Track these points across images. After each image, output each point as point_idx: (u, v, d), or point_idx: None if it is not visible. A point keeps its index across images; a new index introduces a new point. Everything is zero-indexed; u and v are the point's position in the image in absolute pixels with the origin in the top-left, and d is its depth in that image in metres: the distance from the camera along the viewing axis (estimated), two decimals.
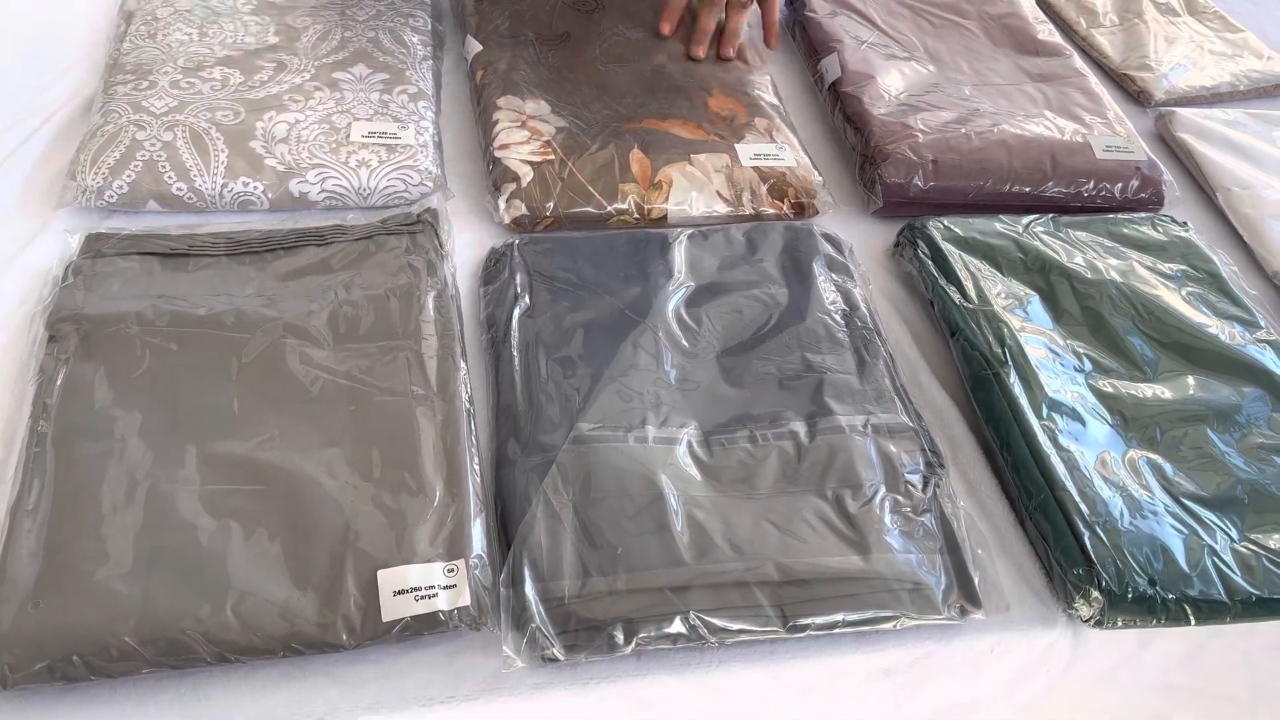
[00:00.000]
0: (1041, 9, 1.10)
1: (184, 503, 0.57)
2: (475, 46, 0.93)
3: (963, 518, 0.63)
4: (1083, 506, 0.61)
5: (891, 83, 0.92)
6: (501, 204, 0.79)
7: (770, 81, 0.95)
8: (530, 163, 0.81)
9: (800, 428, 0.65)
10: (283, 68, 0.85)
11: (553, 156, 0.82)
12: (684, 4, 0.96)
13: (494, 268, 0.75)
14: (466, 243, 0.79)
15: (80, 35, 0.93)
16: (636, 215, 0.80)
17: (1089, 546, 0.59)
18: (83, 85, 0.87)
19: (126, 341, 0.64)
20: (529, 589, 0.56)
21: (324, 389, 0.63)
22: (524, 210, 0.79)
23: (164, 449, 0.59)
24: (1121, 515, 0.62)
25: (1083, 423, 0.67)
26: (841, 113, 0.91)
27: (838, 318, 0.73)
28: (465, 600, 0.54)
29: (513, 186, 0.79)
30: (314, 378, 0.63)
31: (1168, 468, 0.66)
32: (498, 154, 0.82)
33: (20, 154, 0.80)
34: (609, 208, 0.80)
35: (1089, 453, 0.65)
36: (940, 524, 0.62)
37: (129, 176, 0.75)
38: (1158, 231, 0.83)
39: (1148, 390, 0.70)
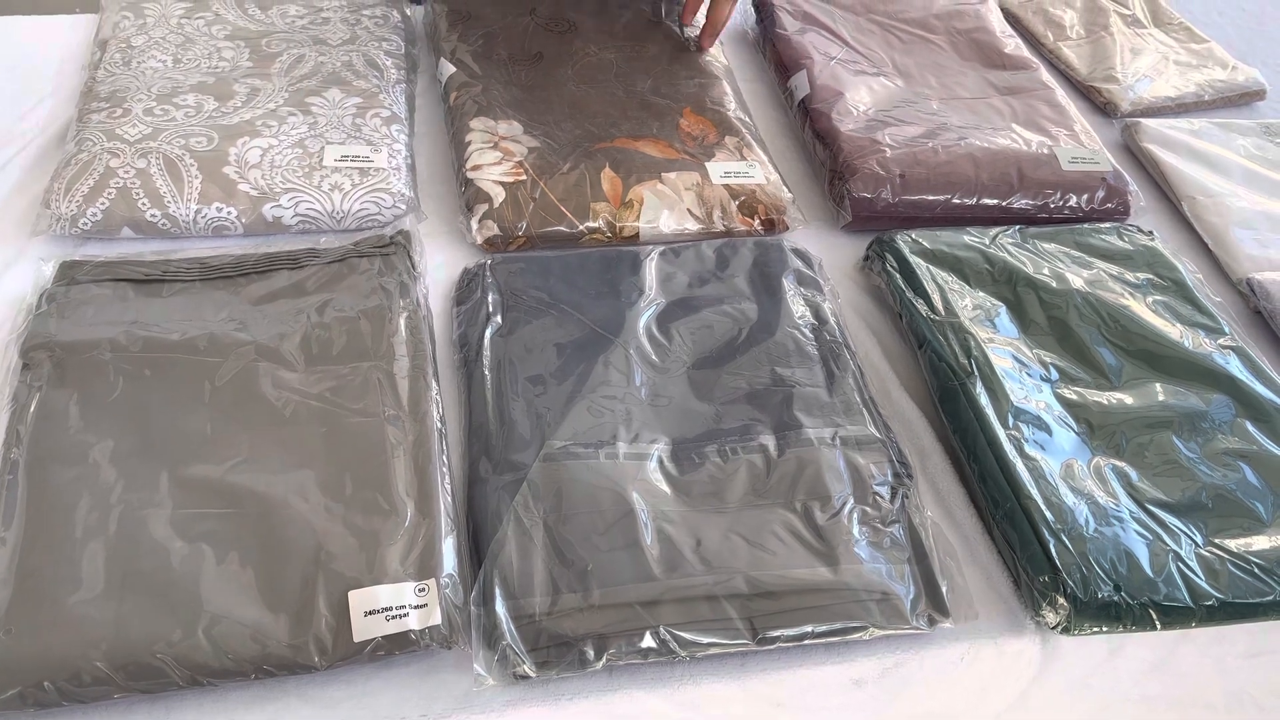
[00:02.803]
0: (1009, 23, 1.12)
1: (156, 527, 0.57)
2: (449, 69, 0.94)
3: (930, 528, 0.63)
4: (1048, 514, 0.62)
5: (860, 98, 0.94)
6: (474, 224, 0.80)
7: (740, 99, 0.96)
8: (502, 183, 0.82)
9: (769, 441, 0.66)
10: (256, 93, 0.86)
11: (524, 177, 0.82)
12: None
13: (467, 288, 0.76)
14: (440, 263, 0.80)
15: (56, 64, 0.94)
16: (608, 233, 0.81)
17: (1054, 554, 0.60)
18: (58, 113, 0.88)
19: (100, 368, 0.65)
20: (500, 607, 0.56)
21: (296, 411, 0.63)
22: (496, 230, 0.79)
23: (137, 474, 0.59)
24: (1087, 522, 0.62)
25: (1049, 431, 0.68)
26: (811, 129, 0.92)
27: (807, 332, 0.74)
28: (436, 619, 0.55)
29: (485, 207, 0.80)
30: (286, 400, 0.64)
31: (1133, 474, 0.66)
32: (470, 175, 0.83)
33: None
34: (581, 226, 0.80)
35: (1055, 461, 0.66)
36: (908, 534, 0.63)
37: (103, 204, 0.76)
38: (1124, 241, 0.85)
39: (1114, 398, 0.71)
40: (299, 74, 0.89)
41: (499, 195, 0.81)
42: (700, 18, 1.01)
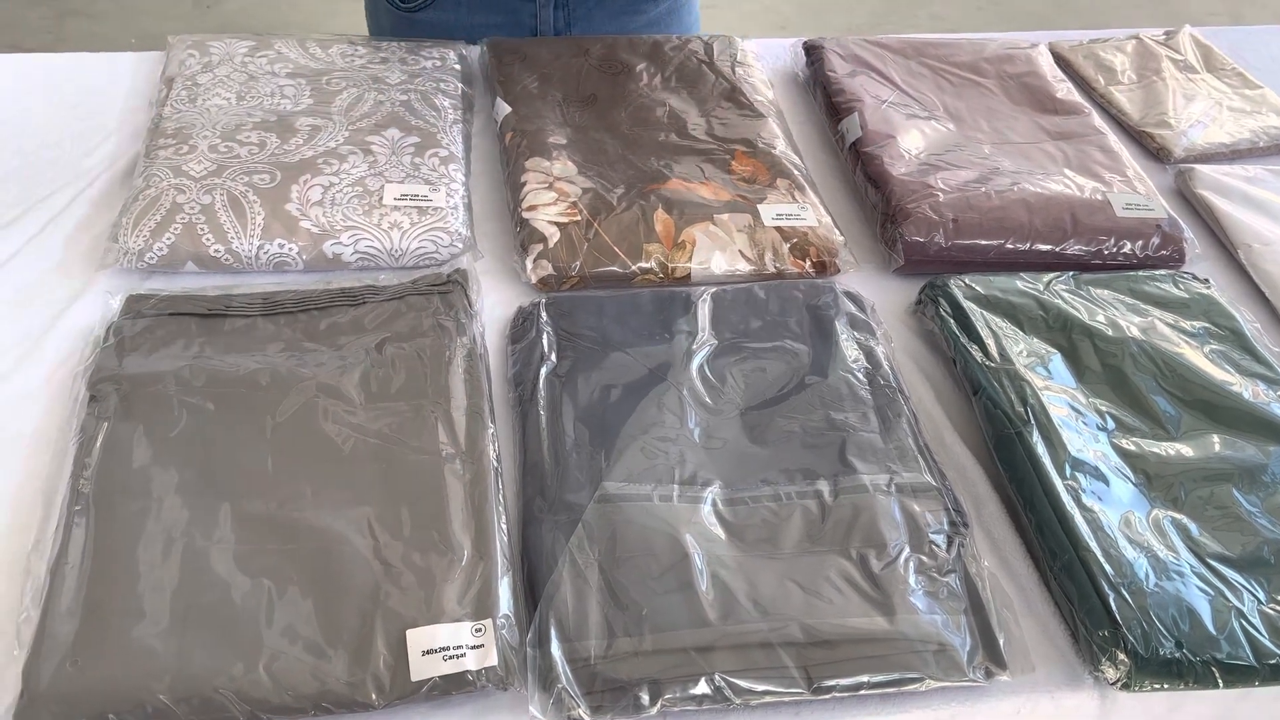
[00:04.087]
0: (1060, 68, 1.12)
1: (219, 561, 0.58)
2: (504, 109, 0.96)
3: (987, 578, 0.63)
4: (1107, 567, 0.61)
5: (912, 142, 0.94)
6: (529, 264, 0.81)
7: (791, 141, 0.97)
8: (557, 223, 0.83)
9: (824, 486, 0.66)
10: (317, 131, 0.88)
11: (579, 217, 0.83)
12: None
13: (521, 327, 0.77)
14: (495, 301, 0.81)
15: (121, 101, 0.97)
16: (660, 274, 0.82)
17: (1114, 608, 0.59)
18: (124, 149, 0.91)
19: (164, 401, 0.66)
20: (555, 649, 0.56)
21: (355, 448, 0.64)
22: (551, 270, 0.80)
23: (200, 508, 0.60)
24: (1147, 576, 0.61)
25: (1106, 482, 0.67)
26: (862, 172, 0.93)
27: (860, 376, 0.74)
28: (492, 660, 0.55)
29: (539, 247, 0.81)
30: (345, 436, 0.65)
31: (1193, 527, 0.66)
32: (525, 215, 0.84)
33: (64, 217, 0.83)
34: (634, 267, 0.81)
35: (1113, 512, 0.65)
36: (965, 584, 0.62)
37: (169, 239, 0.77)
38: (1179, 289, 0.84)
39: (1171, 449, 0.71)
40: (359, 113, 0.91)
41: (554, 235, 0.82)
42: None
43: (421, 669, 0.55)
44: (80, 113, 0.95)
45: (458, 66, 1.01)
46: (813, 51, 1.09)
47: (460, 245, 0.81)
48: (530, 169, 0.88)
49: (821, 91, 1.05)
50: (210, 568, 0.58)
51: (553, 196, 0.85)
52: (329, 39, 1.02)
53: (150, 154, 0.85)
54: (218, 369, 0.68)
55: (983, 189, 0.88)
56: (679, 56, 1.05)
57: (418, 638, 0.55)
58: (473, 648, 0.55)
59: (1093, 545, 0.62)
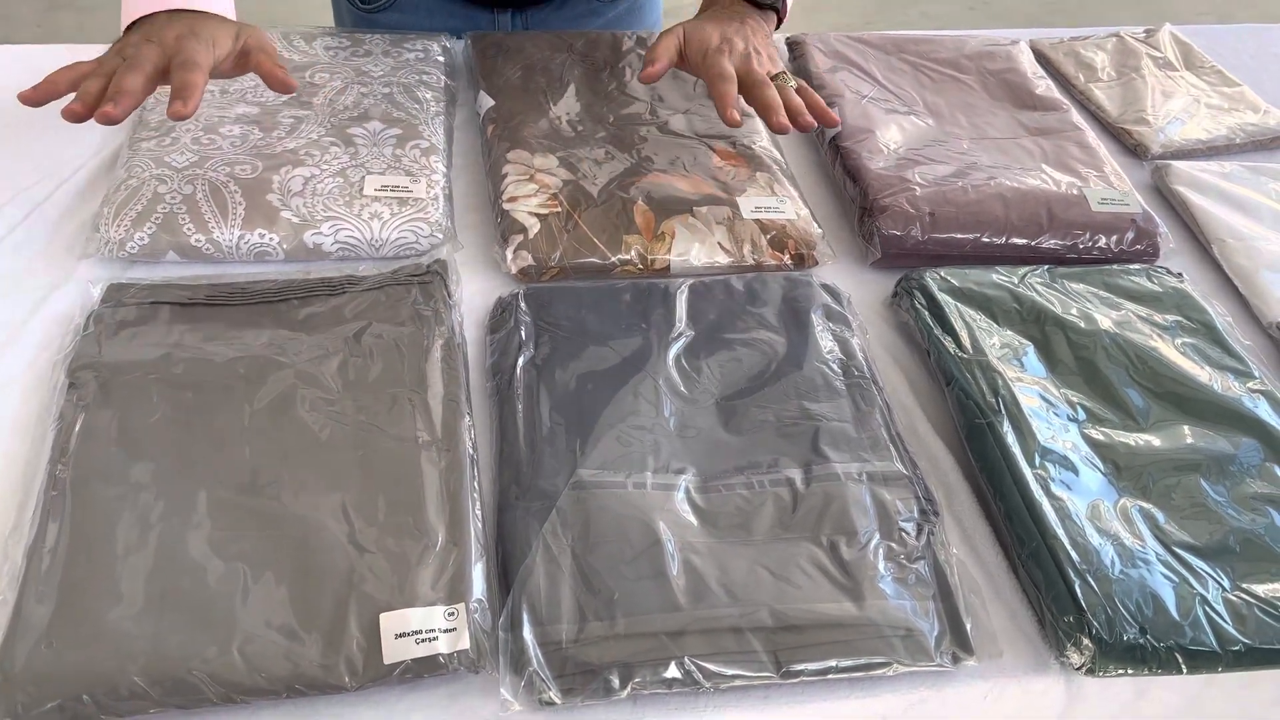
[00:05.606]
0: (1040, 65, 1.13)
1: (194, 546, 0.58)
2: (487, 101, 0.96)
3: (955, 565, 0.64)
4: (1074, 554, 0.62)
5: (890, 137, 0.95)
6: (509, 254, 0.81)
7: (772, 136, 0.98)
8: (537, 215, 0.83)
9: (796, 475, 0.67)
10: (300, 123, 0.88)
11: (559, 209, 0.84)
12: (735, 95, 0.83)
13: (500, 316, 0.77)
14: (474, 291, 0.81)
15: None
16: (640, 266, 0.82)
17: (1080, 594, 0.60)
18: (108, 140, 0.91)
19: (143, 389, 0.66)
20: (527, 633, 0.57)
21: (332, 435, 0.65)
22: (530, 261, 0.81)
23: (176, 494, 0.61)
24: (1113, 563, 0.62)
25: (1075, 471, 0.68)
26: (841, 166, 0.94)
27: (835, 367, 0.75)
28: (465, 644, 0.56)
29: (520, 238, 0.82)
30: (322, 424, 0.65)
31: (1160, 516, 0.67)
32: (506, 206, 0.84)
33: (47, 206, 0.84)
34: (613, 258, 0.82)
35: (1081, 501, 0.66)
36: (933, 571, 0.63)
37: (150, 229, 0.78)
38: (1153, 283, 0.85)
39: (1141, 439, 0.71)
40: (341, 105, 0.91)
41: (534, 226, 0.82)
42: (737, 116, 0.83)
43: (394, 652, 0.55)
44: (63, 103, 0.95)
45: (441, 59, 1.01)
46: (795, 47, 1.10)
47: (440, 236, 0.81)
48: (511, 160, 0.89)
49: None
50: (186, 552, 0.58)
51: (533, 188, 0.86)
52: (313, 32, 1.03)
53: (133, 145, 0.85)
54: (197, 357, 0.69)
55: (960, 183, 0.89)
56: None
57: (391, 621, 0.56)
58: (445, 631, 0.56)
59: (1060, 533, 0.63)
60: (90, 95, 0.70)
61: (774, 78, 0.85)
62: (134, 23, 0.79)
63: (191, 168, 0.82)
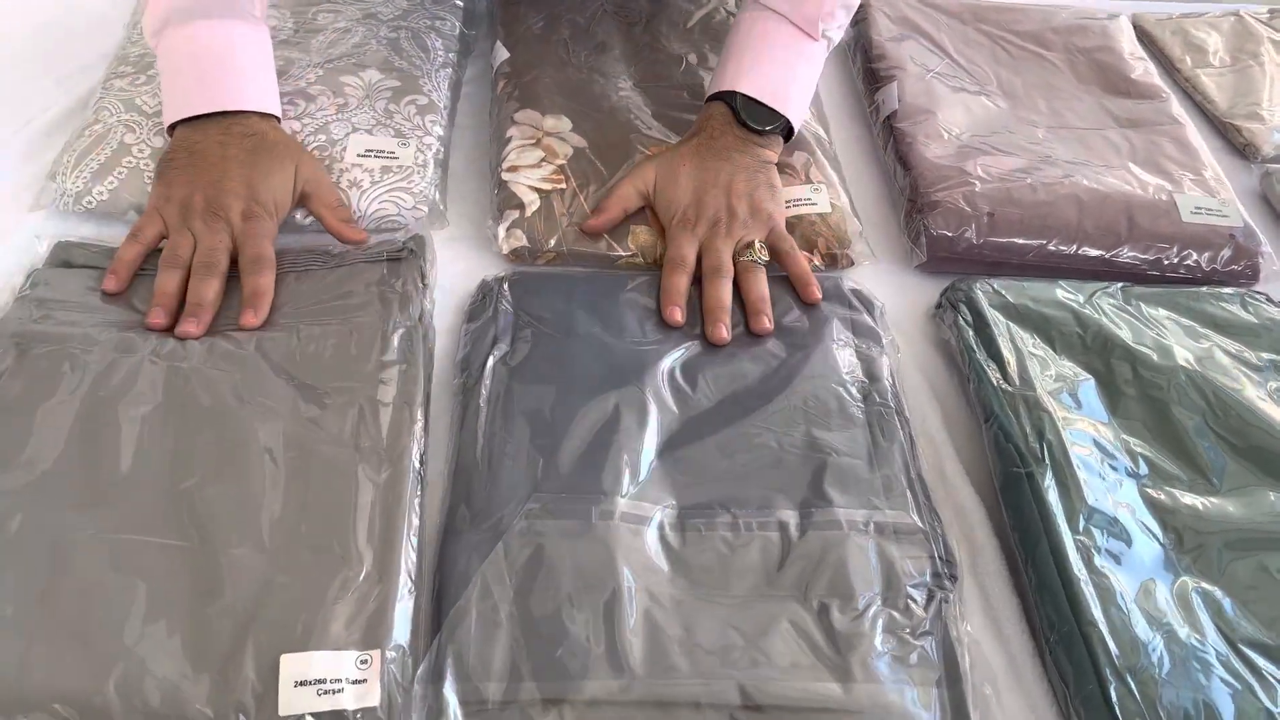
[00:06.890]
0: (1142, 44, 0.99)
1: (88, 551, 0.52)
2: (503, 53, 0.87)
3: (969, 645, 0.54)
4: (1113, 646, 0.52)
5: (954, 119, 0.83)
6: (501, 232, 0.72)
7: (820, 111, 0.86)
8: (538, 189, 0.74)
9: (791, 518, 0.57)
10: (290, 64, 0.80)
11: (564, 185, 0.75)
12: (685, 289, 0.69)
13: (480, 303, 0.69)
14: (460, 271, 0.73)
15: (99, 23, 0.90)
16: (645, 261, 0.73)
17: (1115, 698, 0.50)
18: (91, 77, 0.83)
19: (65, 364, 0.59)
20: (449, 689, 0.49)
21: (265, 436, 0.57)
22: (524, 242, 0.72)
23: (71, 487, 0.54)
24: (1161, 661, 0.52)
25: (1128, 540, 0.57)
26: (894, 150, 0.82)
27: (854, 389, 0.64)
28: (374, 700, 0.48)
29: (515, 214, 0.73)
30: (256, 422, 0.58)
31: (1226, 604, 0.56)
32: (505, 176, 0.75)
33: (9, 148, 0.77)
34: (617, 250, 0.72)
35: (1130, 579, 0.55)
36: (942, 651, 0.53)
37: (111, 183, 0.71)
38: (1248, 311, 0.73)
39: (1212, 503, 0.60)
40: (338, 50, 0.83)
41: (533, 203, 0.73)
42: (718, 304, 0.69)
43: (292, 702, 0.48)
44: (48, 34, 0.88)
45: (460, 3, 0.92)
46: (858, 10, 0.98)
47: (424, 209, 0.73)
48: (519, 121, 0.80)
49: (862, 55, 0.94)
50: (76, 562, 0.51)
51: (538, 155, 0.76)
52: None
53: (107, 83, 0.78)
54: (131, 336, 0.62)
55: (1028, 180, 0.77)
56: (707, 5, 0.95)
57: (293, 665, 0.48)
58: (354, 682, 0.48)
59: (1098, 617, 0.53)
60: (169, 299, 0.64)
61: (742, 250, 0.71)
62: (177, 124, 0.71)
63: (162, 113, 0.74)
